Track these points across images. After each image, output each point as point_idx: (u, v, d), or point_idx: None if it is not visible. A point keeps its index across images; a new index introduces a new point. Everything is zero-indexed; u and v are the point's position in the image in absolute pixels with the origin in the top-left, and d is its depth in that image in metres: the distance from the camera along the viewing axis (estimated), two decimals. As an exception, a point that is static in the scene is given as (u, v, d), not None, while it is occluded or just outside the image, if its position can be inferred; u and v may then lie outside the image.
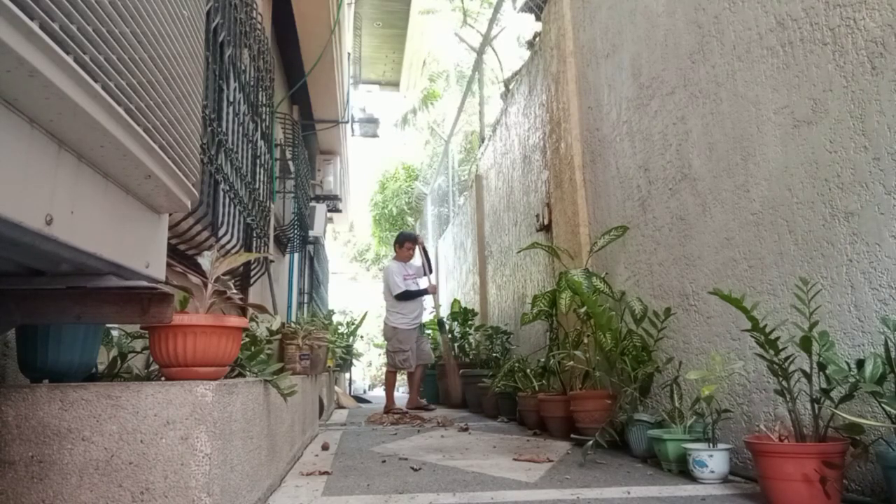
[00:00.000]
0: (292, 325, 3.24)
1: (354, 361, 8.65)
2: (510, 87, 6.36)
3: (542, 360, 4.35)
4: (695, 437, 2.36)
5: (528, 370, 4.42)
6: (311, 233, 6.67)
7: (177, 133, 1.13)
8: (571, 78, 4.34)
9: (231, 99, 2.73)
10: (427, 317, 6.51)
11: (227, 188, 2.66)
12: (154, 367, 1.77)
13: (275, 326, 2.81)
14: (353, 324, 7.50)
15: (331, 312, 5.57)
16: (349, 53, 8.60)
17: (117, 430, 1.29)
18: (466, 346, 6.89)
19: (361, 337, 9.94)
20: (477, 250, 7.67)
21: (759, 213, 2.36)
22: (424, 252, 6.26)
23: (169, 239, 1.58)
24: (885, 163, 1.81)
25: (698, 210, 2.77)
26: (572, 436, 3.44)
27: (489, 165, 7.28)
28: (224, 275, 1.69)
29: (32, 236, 0.78)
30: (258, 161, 3.37)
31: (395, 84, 14.12)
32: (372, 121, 10.62)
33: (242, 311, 3.01)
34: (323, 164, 8.16)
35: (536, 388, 4.20)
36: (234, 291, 1.82)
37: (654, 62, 3.20)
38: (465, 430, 4.18)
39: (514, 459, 2.77)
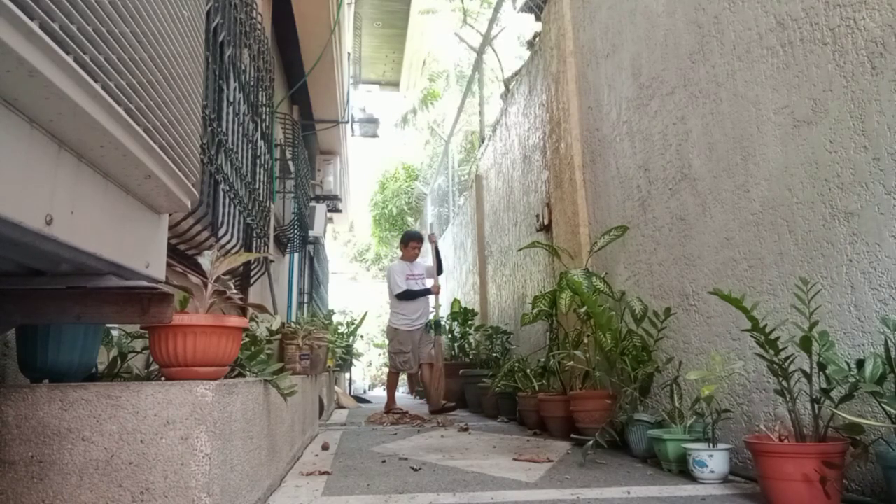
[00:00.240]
0: (292, 325, 3.24)
1: (354, 361, 8.66)
2: (510, 87, 6.36)
3: (542, 360, 4.35)
4: (695, 437, 2.36)
5: (528, 370, 4.43)
6: (311, 233, 6.67)
7: (177, 133, 1.13)
8: (571, 78, 4.34)
9: (231, 99, 2.73)
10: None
11: (227, 188, 2.66)
12: (154, 367, 1.77)
13: (275, 326, 2.81)
14: (353, 324, 7.50)
15: (331, 312, 5.57)
16: (349, 53, 8.60)
17: (117, 430, 1.29)
18: (466, 346, 6.89)
19: (361, 337, 9.95)
20: (477, 250, 7.67)
21: (759, 213, 2.36)
22: (437, 252, 6.14)
23: (169, 239, 1.58)
24: (885, 163, 1.81)
25: (698, 210, 2.77)
26: (572, 436, 3.44)
27: (489, 165, 7.28)
28: (224, 275, 1.69)
29: (32, 236, 0.78)
30: (258, 161, 3.37)
31: (395, 84, 14.12)
32: (372, 121, 10.62)
33: (242, 311, 3.01)
34: (323, 164, 8.16)
35: (536, 388, 4.20)
36: (234, 291, 1.82)
37: (654, 62, 3.20)
38: (465, 430, 4.18)
39: (514, 459, 2.77)
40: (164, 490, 1.28)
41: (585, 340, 3.55)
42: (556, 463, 2.68)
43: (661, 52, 3.13)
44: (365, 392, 14.14)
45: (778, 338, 1.91)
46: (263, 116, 3.59)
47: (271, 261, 4.11)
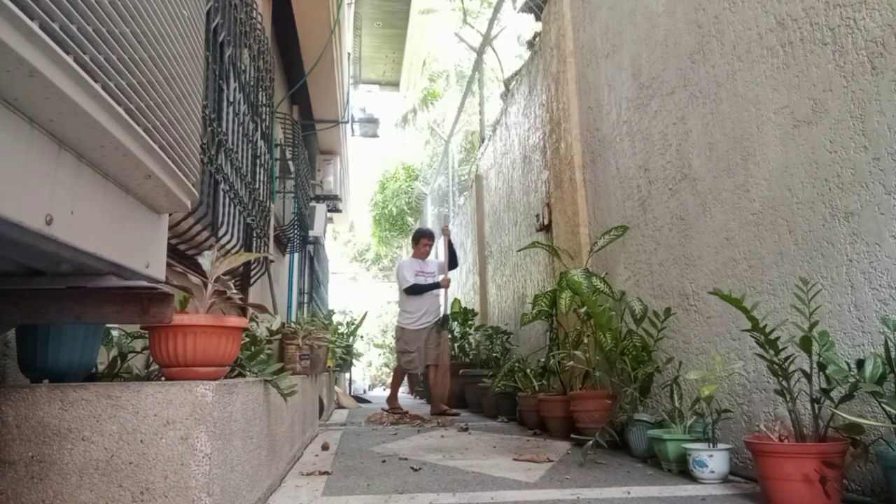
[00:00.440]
0: (292, 325, 3.24)
1: (354, 361, 8.66)
2: (510, 87, 6.36)
3: (542, 360, 4.35)
4: (695, 437, 2.36)
5: (528, 370, 4.43)
6: (311, 233, 6.67)
7: (177, 133, 1.13)
8: (571, 78, 4.34)
9: (231, 99, 2.73)
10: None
11: (227, 188, 2.66)
12: (154, 367, 1.77)
13: (275, 326, 2.81)
14: (353, 324, 7.50)
15: (331, 312, 5.57)
16: (349, 53, 8.60)
17: (117, 430, 1.29)
18: (466, 346, 6.89)
19: (361, 337, 9.94)
20: (477, 250, 7.68)
21: (759, 213, 2.36)
22: (450, 245, 6.04)
23: (169, 239, 1.58)
24: (885, 163, 1.81)
25: (698, 210, 2.77)
26: (572, 436, 3.44)
27: (489, 165, 7.28)
28: (224, 275, 1.69)
29: (32, 236, 0.78)
30: (258, 161, 3.37)
31: (395, 84, 14.12)
32: (372, 121, 10.62)
33: (242, 311, 3.01)
34: (323, 164, 8.16)
35: (536, 388, 4.20)
36: (234, 291, 1.82)
37: (654, 62, 3.20)
38: (465, 430, 4.18)
39: (514, 459, 2.77)
40: (164, 490, 1.28)
41: (585, 340, 3.55)
42: (556, 463, 2.68)
43: (661, 52, 3.13)
44: (365, 392, 14.14)
45: (778, 338, 1.91)
46: (263, 116, 3.59)
47: (271, 261, 4.11)
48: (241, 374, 1.83)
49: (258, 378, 1.86)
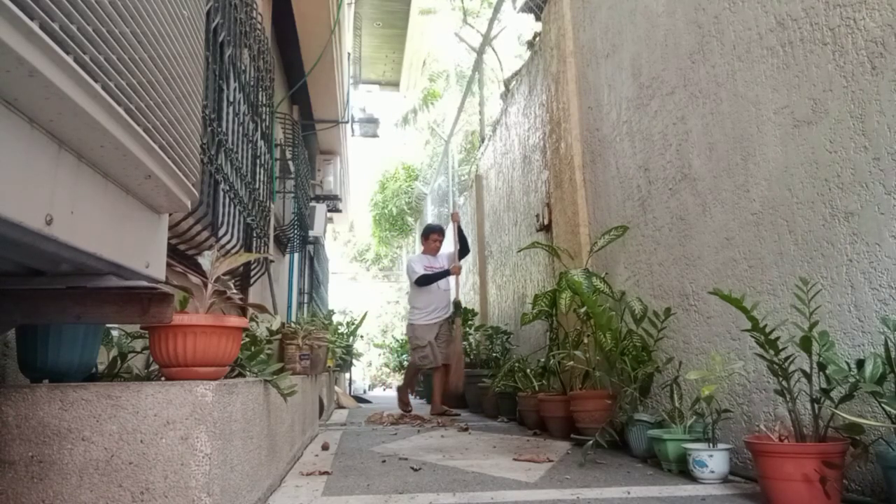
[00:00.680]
0: (292, 325, 3.24)
1: (354, 361, 8.66)
2: (510, 87, 6.36)
3: (542, 360, 4.35)
4: (695, 437, 2.36)
5: (528, 370, 4.43)
6: (311, 233, 6.67)
7: (177, 133, 1.13)
8: (571, 78, 4.34)
9: (231, 99, 2.73)
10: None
11: (227, 188, 2.66)
12: (154, 367, 1.77)
13: (275, 326, 2.81)
14: (353, 324, 7.49)
15: (331, 312, 5.55)
16: (349, 53, 8.60)
17: (117, 430, 1.29)
18: (466, 346, 6.88)
19: (361, 337, 9.95)
20: (477, 250, 7.67)
21: (759, 213, 2.36)
22: (460, 232, 5.93)
23: (169, 239, 1.58)
24: (885, 163, 1.81)
25: (698, 210, 2.77)
26: (572, 436, 3.44)
27: (489, 165, 7.28)
28: (224, 275, 1.69)
29: (32, 236, 0.78)
30: (258, 161, 3.37)
31: (395, 84, 14.12)
32: (372, 121, 10.62)
33: (242, 311, 3.01)
34: (323, 164, 8.15)
35: (536, 388, 4.20)
36: (234, 291, 1.82)
37: (654, 62, 3.20)
38: (465, 430, 4.18)
39: (514, 459, 2.77)
40: (164, 490, 1.28)
41: (585, 340, 3.55)
42: (556, 463, 2.68)
43: (661, 52, 3.13)
44: (365, 392, 14.13)
45: (778, 338, 1.91)
46: (263, 116, 3.58)
47: (271, 261, 4.11)
48: (241, 374, 1.83)
49: (258, 378, 1.86)
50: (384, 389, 16.65)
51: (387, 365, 14.99)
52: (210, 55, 2.32)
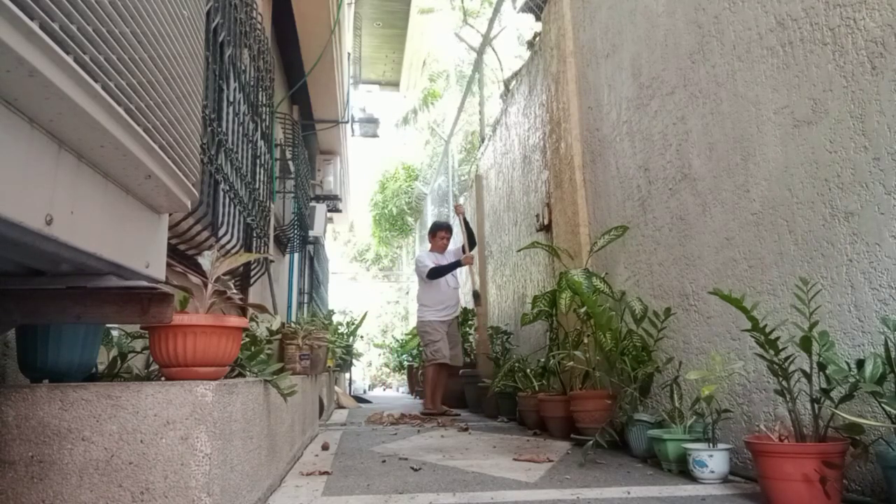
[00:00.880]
0: (292, 325, 3.24)
1: (354, 361, 8.66)
2: (510, 87, 6.36)
3: (542, 360, 4.35)
4: (695, 437, 2.36)
5: (528, 370, 4.43)
6: (311, 233, 6.66)
7: (177, 133, 1.13)
8: (571, 78, 4.34)
9: (231, 99, 2.73)
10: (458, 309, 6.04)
11: (227, 188, 2.66)
12: (154, 367, 1.77)
13: (275, 326, 2.81)
14: (353, 324, 7.49)
15: (331, 312, 5.56)
16: (349, 53, 8.60)
17: (117, 430, 1.29)
18: (466, 346, 6.88)
19: (361, 337, 9.95)
20: (477, 250, 7.67)
21: (759, 213, 2.36)
22: (466, 224, 5.87)
23: (169, 239, 1.58)
24: (885, 163, 1.81)
25: (698, 210, 2.77)
26: (572, 436, 3.44)
27: (489, 165, 7.28)
28: (224, 275, 1.69)
29: (32, 236, 0.78)
30: (258, 161, 3.37)
31: (395, 84, 14.12)
32: (372, 121, 10.62)
33: (242, 311, 3.01)
34: (323, 164, 8.16)
35: (536, 388, 4.20)
36: (234, 291, 1.82)
37: (654, 62, 3.20)
38: (465, 430, 4.18)
39: (514, 459, 2.77)
40: (164, 490, 1.28)
41: (585, 340, 3.55)
42: (556, 463, 2.68)
43: (661, 52, 3.13)
44: (365, 392, 14.14)
45: (778, 338, 1.91)
46: (263, 116, 3.59)
47: (271, 261, 4.11)
48: (241, 374, 1.83)
49: (258, 378, 1.86)
50: (384, 389, 16.66)
51: (387, 365, 14.99)
52: (210, 55, 2.32)
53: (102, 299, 1.22)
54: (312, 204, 6.87)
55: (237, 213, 2.85)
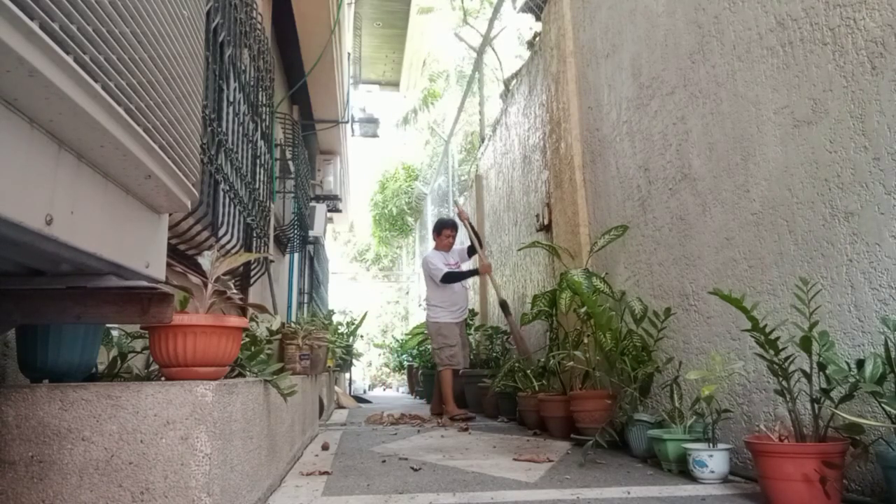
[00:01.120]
0: (292, 325, 3.24)
1: (354, 361, 8.65)
2: (510, 86, 6.35)
3: (542, 360, 4.35)
4: (695, 437, 2.36)
5: (528, 370, 4.42)
6: (311, 233, 6.66)
7: (177, 133, 1.13)
8: (571, 78, 4.34)
9: (231, 99, 2.73)
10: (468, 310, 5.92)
11: (227, 188, 2.66)
12: (154, 367, 1.77)
13: (275, 326, 2.81)
14: (353, 324, 7.49)
15: (331, 312, 5.55)
16: (349, 53, 8.60)
17: (117, 430, 1.29)
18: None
19: (361, 337, 9.94)
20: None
21: (759, 213, 2.36)
22: (471, 227, 5.73)
23: (169, 239, 1.58)
24: (885, 163, 1.81)
25: (698, 210, 2.77)
26: (572, 436, 3.44)
27: (489, 165, 7.28)
28: (224, 275, 1.69)
29: (32, 236, 0.78)
30: (258, 161, 3.37)
31: (395, 84, 14.12)
32: (372, 121, 10.62)
33: (242, 311, 3.01)
34: (323, 164, 8.15)
35: (536, 388, 4.20)
36: (234, 291, 1.82)
37: (654, 62, 3.20)
38: (465, 430, 4.18)
39: (514, 459, 2.77)
40: (164, 490, 1.28)
41: (585, 340, 3.55)
42: (556, 463, 2.68)
43: (661, 52, 3.13)
44: (365, 392, 14.14)
45: (778, 338, 1.91)
46: (263, 116, 3.59)
47: (271, 261, 4.11)
48: (241, 374, 1.83)
49: (258, 378, 1.86)
50: (384, 389, 16.65)
51: (387, 365, 14.99)
52: (210, 55, 2.32)
53: (102, 299, 1.22)
54: (312, 204, 6.87)
55: (237, 213, 2.85)
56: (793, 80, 2.19)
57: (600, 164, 3.90)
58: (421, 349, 8.71)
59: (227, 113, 2.66)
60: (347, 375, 11.27)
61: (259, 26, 3.49)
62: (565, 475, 2.38)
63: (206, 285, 1.61)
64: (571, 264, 4.00)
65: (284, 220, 5.49)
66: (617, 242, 3.56)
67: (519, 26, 8.04)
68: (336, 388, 7.80)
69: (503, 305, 5.47)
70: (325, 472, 2.46)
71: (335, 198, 8.24)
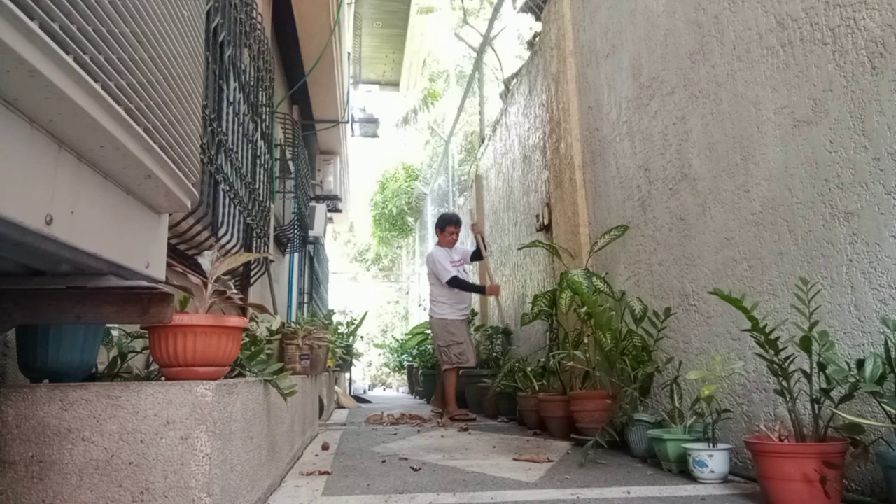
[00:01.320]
0: (292, 325, 3.24)
1: (354, 361, 8.65)
2: (510, 86, 6.35)
3: (542, 360, 4.35)
4: (695, 437, 2.36)
5: (528, 370, 4.43)
6: (311, 233, 6.66)
7: (177, 133, 1.13)
8: (571, 78, 4.34)
9: (231, 99, 2.73)
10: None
11: (227, 188, 2.66)
12: (154, 367, 1.77)
13: (275, 326, 2.81)
14: (353, 324, 7.48)
15: (331, 312, 5.55)
16: (349, 53, 8.60)
17: (117, 430, 1.29)
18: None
19: (361, 337, 9.94)
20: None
21: (759, 213, 2.36)
22: (483, 242, 5.69)
23: (169, 239, 1.58)
24: (885, 163, 1.81)
25: (698, 210, 2.77)
26: (572, 436, 3.44)
27: (489, 165, 7.28)
28: (224, 275, 1.69)
29: (32, 236, 0.78)
30: (258, 161, 3.37)
31: (395, 84, 14.12)
32: (372, 121, 10.62)
33: (242, 311, 3.01)
34: (323, 164, 8.15)
35: (536, 388, 4.20)
36: (234, 291, 1.82)
37: (654, 62, 3.20)
38: (466, 430, 4.18)
39: (514, 459, 2.77)
40: (164, 490, 1.28)
41: (585, 340, 3.55)
42: (556, 463, 2.68)
43: (661, 52, 3.13)
44: (365, 392, 14.13)
45: (778, 338, 1.91)
46: (263, 116, 3.58)
47: (271, 261, 4.11)
48: (241, 374, 1.83)
49: (258, 378, 1.86)
50: (384, 389, 16.65)
51: (387, 365, 14.99)
52: (210, 55, 2.32)
53: (102, 299, 1.22)
54: (312, 204, 6.87)
55: (237, 213, 2.85)
56: (793, 80, 2.19)
57: (600, 164, 3.90)
58: (421, 349, 8.70)
59: (227, 113, 2.66)
60: (347, 375, 11.26)
61: (259, 26, 3.49)
62: (565, 475, 2.38)
63: (206, 285, 1.61)
64: (571, 264, 4.00)
65: (284, 220, 5.49)
66: (617, 242, 3.56)
67: (519, 26, 8.05)
68: (336, 388, 7.80)
69: (505, 333, 5.46)
70: (325, 472, 2.46)
71: (335, 198, 8.24)
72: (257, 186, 3.33)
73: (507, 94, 6.49)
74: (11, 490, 1.24)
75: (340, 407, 7.32)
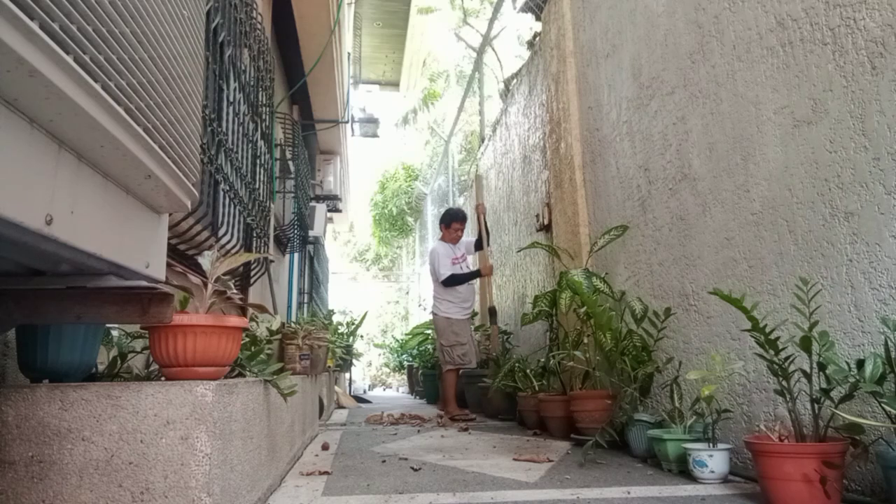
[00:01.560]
0: (292, 325, 3.24)
1: (354, 361, 8.65)
2: (510, 86, 6.35)
3: (542, 360, 4.35)
4: (695, 437, 2.36)
5: (528, 370, 4.43)
6: (311, 233, 6.66)
7: (177, 133, 1.13)
8: (571, 78, 4.34)
9: (231, 99, 2.73)
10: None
11: (227, 188, 2.66)
12: (154, 367, 1.77)
13: (275, 326, 2.81)
14: (353, 324, 7.48)
15: (331, 312, 5.55)
16: (349, 53, 8.60)
17: (117, 430, 1.29)
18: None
19: (361, 337, 9.94)
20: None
21: (759, 213, 2.36)
22: (486, 225, 5.58)
23: (169, 239, 1.58)
24: (885, 163, 1.81)
25: (698, 210, 2.77)
26: (572, 436, 3.44)
27: (489, 165, 7.28)
28: (224, 275, 1.69)
29: (32, 236, 0.78)
30: (258, 161, 3.37)
31: (395, 84, 14.12)
32: (372, 121, 10.62)
33: (242, 311, 3.01)
34: (323, 164, 8.15)
35: (536, 388, 4.20)
36: (234, 291, 1.82)
37: (654, 62, 3.20)
38: (465, 430, 4.18)
39: (514, 459, 2.77)
40: (164, 490, 1.28)
41: (585, 340, 3.55)
42: (556, 463, 2.68)
43: (661, 52, 3.13)
44: (365, 392, 14.13)
45: (778, 338, 1.91)
46: (263, 116, 3.58)
47: (271, 261, 4.11)
48: (241, 374, 1.83)
49: (258, 378, 1.86)
50: (384, 389, 16.65)
51: (387, 365, 14.99)
52: (210, 55, 2.32)
53: (102, 299, 1.22)
54: (312, 204, 6.87)
55: (237, 213, 2.85)
56: (793, 80, 2.19)
57: (600, 164, 3.90)
58: (421, 349, 8.70)
59: (227, 113, 2.66)
60: (347, 375, 11.26)
61: (259, 26, 3.49)
62: (565, 475, 2.38)
63: (206, 285, 1.61)
64: (571, 264, 4.01)
65: (284, 220, 5.48)
66: (617, 242, 3.56)
67: (519, 26, 8.05)
68: (336, 388, 7.80)
69: (492, 312, 5.39)
70: (325, 472, 2.46)
71: (335, 198, 8.24)
72: (257, 186, 3.33)
73: (507, 94, 6.49)
74: (11, 490, 1.24)
75: (340, 407, 7.32)
